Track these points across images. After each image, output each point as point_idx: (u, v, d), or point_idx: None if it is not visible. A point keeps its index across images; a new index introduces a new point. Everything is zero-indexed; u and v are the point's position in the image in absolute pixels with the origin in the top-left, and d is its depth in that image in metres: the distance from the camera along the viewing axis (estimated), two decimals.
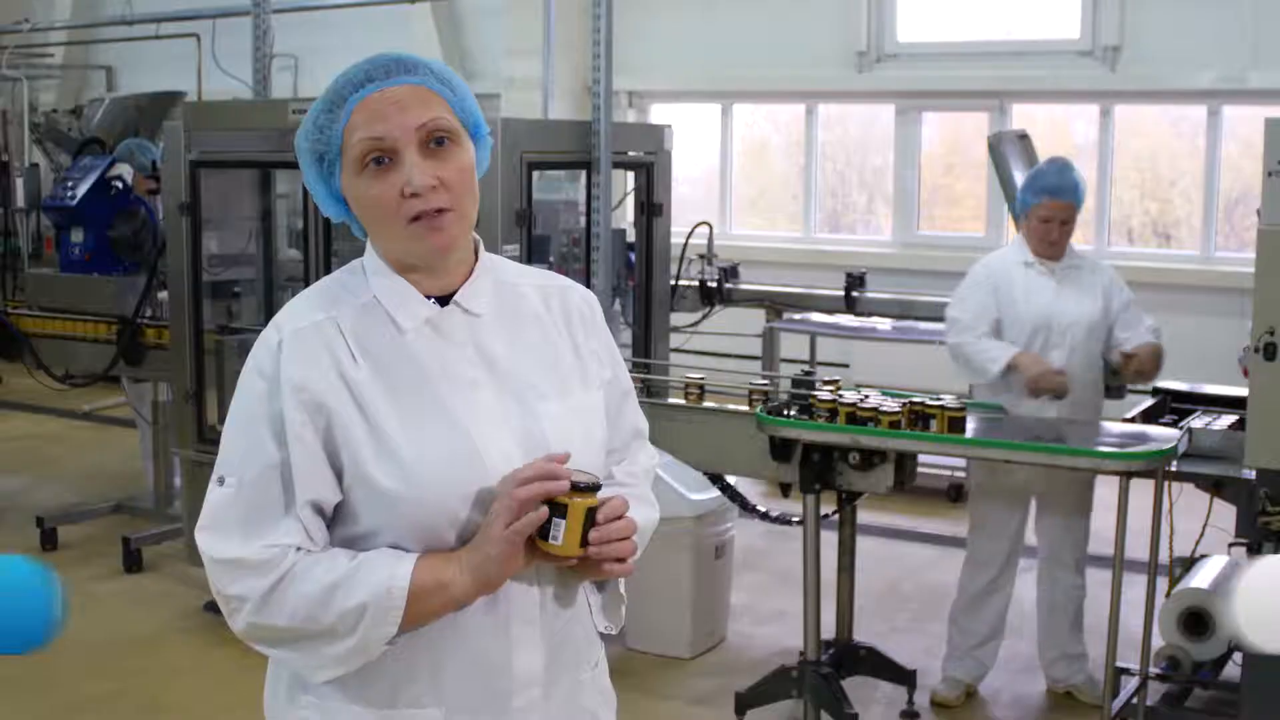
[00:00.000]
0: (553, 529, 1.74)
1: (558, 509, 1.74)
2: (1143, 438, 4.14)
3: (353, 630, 1.72)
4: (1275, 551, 3.74)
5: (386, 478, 1.74)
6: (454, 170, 1.78)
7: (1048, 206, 4.57)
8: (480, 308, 1.86)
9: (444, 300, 1.84)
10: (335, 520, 1.79)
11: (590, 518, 1.75)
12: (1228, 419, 4.35)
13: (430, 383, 1.80)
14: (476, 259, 1.89)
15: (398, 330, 1.81)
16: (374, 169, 1.77)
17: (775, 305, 7.47)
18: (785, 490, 4.55)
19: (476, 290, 1.86)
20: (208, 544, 1.77)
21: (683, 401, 4.56)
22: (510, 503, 1.72)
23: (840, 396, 4.12)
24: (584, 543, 1.75)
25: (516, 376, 1.85)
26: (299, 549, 1.74)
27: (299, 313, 1.82)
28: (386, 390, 1.78)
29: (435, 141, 1.77)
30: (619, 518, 1.78)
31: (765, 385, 4.47)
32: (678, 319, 6.56)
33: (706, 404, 4.52)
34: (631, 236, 5.76)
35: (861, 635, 4.77)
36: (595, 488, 1.76)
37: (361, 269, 1.87)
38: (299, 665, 1.80)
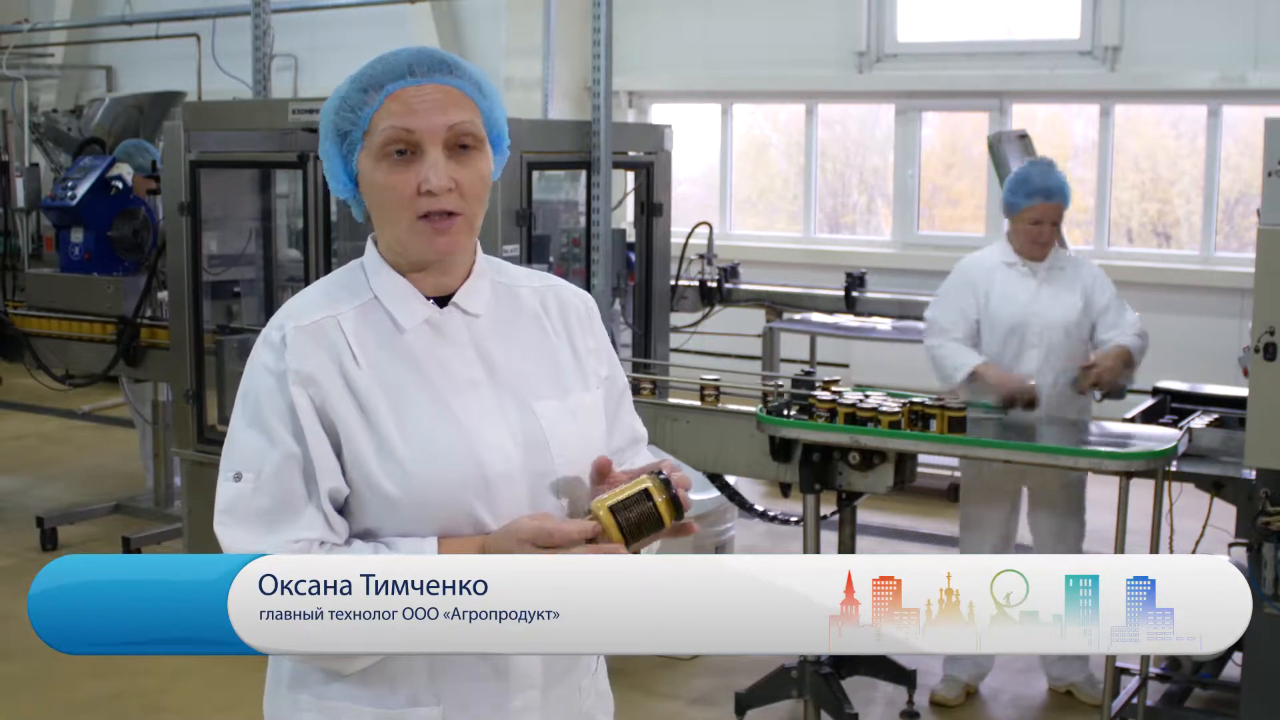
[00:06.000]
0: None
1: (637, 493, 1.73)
2: (1143, 438, 4.14)
3: None
4: (1275, 552, 3.74)
5: (388, 480, 1.75)
6: (473, 177, 1.79)
7: (1039, 209, 4.56)
8: (478, 308, 1.87)
9: (442, 301, 1.85)
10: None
11: (619, 516, 1.72)
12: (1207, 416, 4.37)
13: (430, 383, 1.81)
14: (474, 260, 1.89)
15: (398, 330, 1.82)
16: (395, 159, 1.78)
17: (775, 305, 7.47)
18: (785, 490, 4.55)
19: (475, 291, 1.87)
20: (230, 538, 1.74)
21: (683, 401, 4.56)
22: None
23: (840, 396, 4.12)
24: (624, 534, 1.71)
25: (515, 376, 1.86)
26: (322, 543, 1.74)
27: (300, 311, 1.82)
28: (387, 391, 1.78)
29: (461, 145, 1.79)
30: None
31: (770, 386, 4.46)
32: (678, 319, 6.56)
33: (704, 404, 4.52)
34: (631, 236, 5.76)
35: None
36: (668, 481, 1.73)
37: (361, 268, 1.88)
38: (324, 663, 1.78)
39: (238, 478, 1.76)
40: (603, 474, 1.81)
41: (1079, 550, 4.69)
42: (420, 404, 1.79)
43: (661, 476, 1.73)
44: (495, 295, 1.90)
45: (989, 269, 4.65)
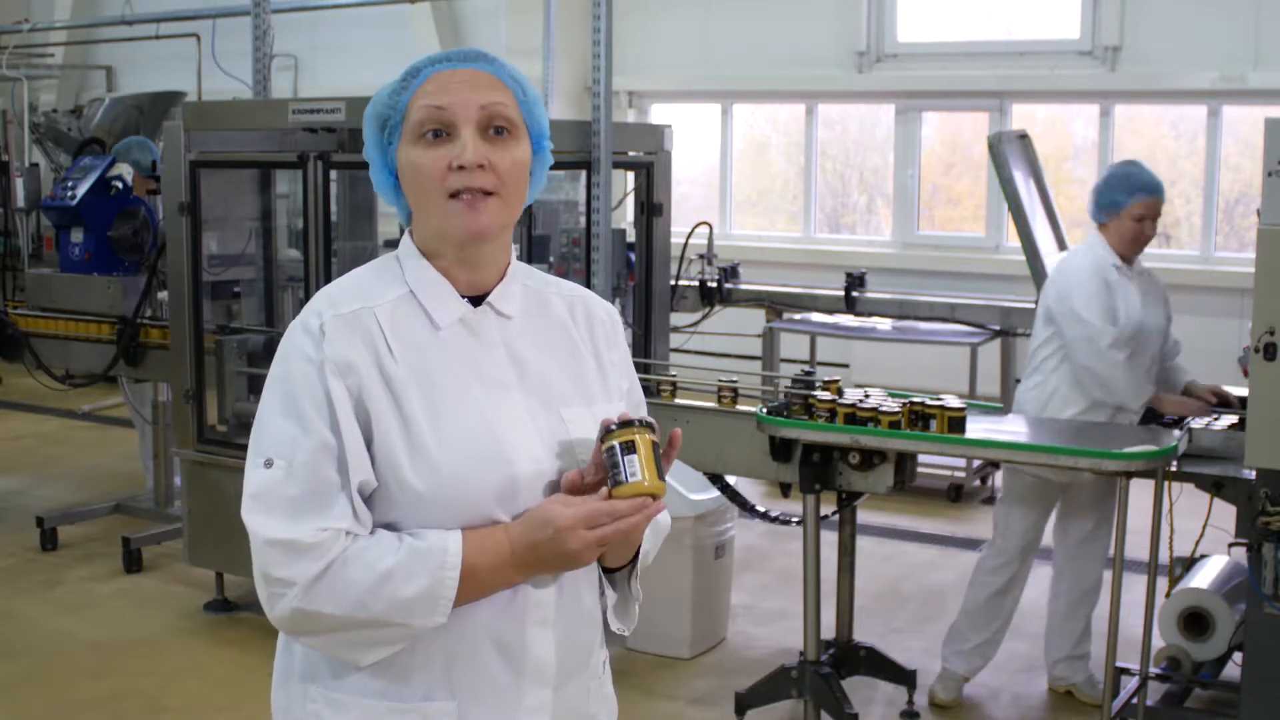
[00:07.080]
0: (626, 467, 1.73)
1: (626, 447, 1.74)
2: (1143, 437, 4.14)
3: (403, 620, 1.72)
4: (1275, 552, 3.74)
5: (417, 477, 1.75)
6: (507, 160, 1.80)
7: (1145, 204, 4.49)
8: (511, 310, 1.88)
9: (475, 301, 1.86)
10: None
11: (657, 453, 1.76)
12: (1228, 419, 4.35)
13: (463, 382, 1.81)
14: (509, 262, 1.91)
15: (433, 326, 1.83)
16: (430, 139, 1.80)
17: (775, 305, 7.49)
18: (785, 490, 4.55)
19: (509, 293, 1.88)
20: (258, 524, 1.73)
21: (685, 402, 4.56)
22: (606, 522, 1.73)
23: (840, 396, 4.12)
24: (660, 476, 1.75)
25: (543, 380, 1.87)
26: (349, 534, 1.73)
27: (337, 300, 1.82)
28: (421, 387, 1.78)
29: (495, 130, 1.80)
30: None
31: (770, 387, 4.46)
32: (678, 319, 6.56)
33: (707, 404, 4.52)
34: (631, 236, 5.76)
35: (861, 635, 4.77)
36: (652, 425, 1.77)
37: (396, 261, 1.88)
38: (339, 653, 1.78)
39: (268, 464, 1.74)
40: (574, 487, 1.81)
41: (1104, 560, 4.64)
42: (453, 403, 1.79)
43: (617, 425, 1.76)
44: (526, 299, 1.91)
45: (1107, 270, 4.49)
